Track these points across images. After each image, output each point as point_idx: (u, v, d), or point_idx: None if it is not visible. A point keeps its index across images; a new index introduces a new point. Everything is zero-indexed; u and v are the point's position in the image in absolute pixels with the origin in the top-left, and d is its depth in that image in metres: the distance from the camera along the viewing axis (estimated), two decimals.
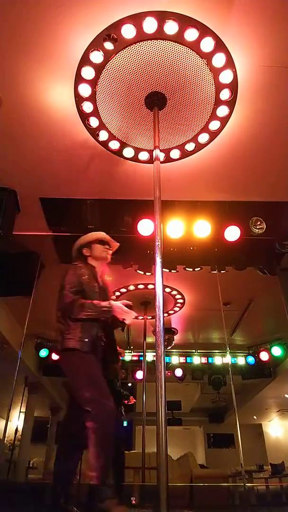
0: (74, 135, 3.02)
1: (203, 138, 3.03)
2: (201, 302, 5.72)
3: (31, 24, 2.28)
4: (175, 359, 7.34)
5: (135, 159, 3.23)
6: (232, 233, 3.92)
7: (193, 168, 3.37)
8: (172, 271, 4.45)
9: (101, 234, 2.51)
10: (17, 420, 7.77)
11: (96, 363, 2.06)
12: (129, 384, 8.72)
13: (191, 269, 4.42)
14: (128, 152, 3.16)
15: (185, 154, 3.18)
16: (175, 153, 3.18)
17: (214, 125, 2.92)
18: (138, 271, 4.46)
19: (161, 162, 2.56)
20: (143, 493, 4.58)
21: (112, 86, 2.61)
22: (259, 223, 3.88)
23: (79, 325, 2.10)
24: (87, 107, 2.75)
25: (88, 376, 1.99)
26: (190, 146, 3.11)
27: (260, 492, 6.46)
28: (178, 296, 5.55)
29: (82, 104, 2.73)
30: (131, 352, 7.04)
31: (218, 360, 7.32)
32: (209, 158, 3.25)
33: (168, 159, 3.23)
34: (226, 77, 2.55)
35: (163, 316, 1.86)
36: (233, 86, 2.62)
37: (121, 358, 3.95)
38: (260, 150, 3.22)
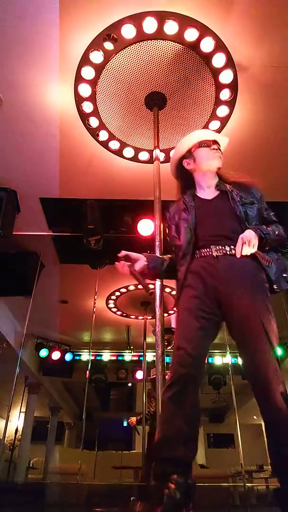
0: (74, 135, 3.02)
1: None
2: None
3: (31, 24, 2.28)
4: None
5: (135, 159, 3.23)
6: None
7: None
8: None
9: (201, 134, 1.85)
10: (17, 420, 7.77)
11: None
12: (129, 384, 8.72)
13: None
14: (128, 152, 3.16)
15: None
16: None
17: (214, 125, 2.92)
18: None
19: (161, 162, 2.55)
20: (143, 493, 4.57)
21: (112, 86, 2.61)
22: None
23: None
24: (87, 107, 2.75)
25: None
26: None
27: (260, 492, 6.45)
28: None
29: (82, 104, 2.73)
30: (131, 352, 7.04)
31: (218, 360, 7.32)
32: None
33: (168, 159, 3.22)
34: (226, 77, 2.55)
35: (163, 316, 1.86)
36: (233, 86, 2.62)
37: None
38: (260, 150, 3.22)
